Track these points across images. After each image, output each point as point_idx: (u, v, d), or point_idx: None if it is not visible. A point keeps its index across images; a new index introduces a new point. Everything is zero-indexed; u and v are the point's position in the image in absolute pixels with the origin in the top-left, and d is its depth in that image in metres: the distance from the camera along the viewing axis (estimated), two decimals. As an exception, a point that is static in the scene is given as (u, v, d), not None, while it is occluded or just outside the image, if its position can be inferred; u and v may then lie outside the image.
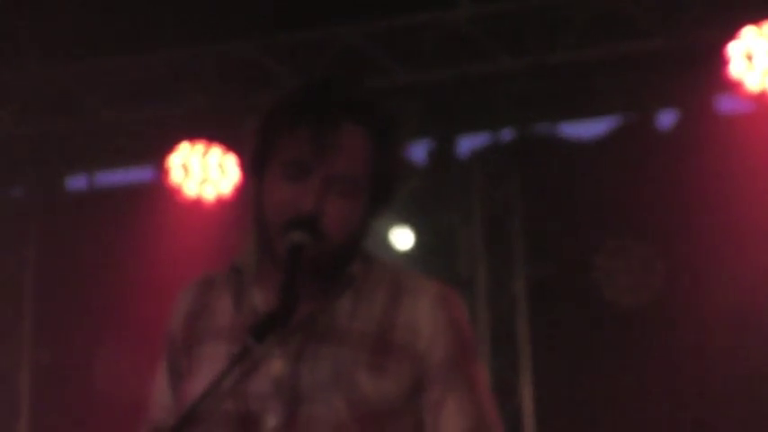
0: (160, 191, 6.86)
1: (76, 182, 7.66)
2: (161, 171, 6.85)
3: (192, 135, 6.77)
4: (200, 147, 6.84)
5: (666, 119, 6.82)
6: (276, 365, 2.27)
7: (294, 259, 2.22)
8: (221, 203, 6.82)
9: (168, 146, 6.81)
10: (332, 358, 2.27)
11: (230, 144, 6.76)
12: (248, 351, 2.16)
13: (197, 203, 6.86)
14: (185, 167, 6.82)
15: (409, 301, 2.34)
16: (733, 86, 6.09)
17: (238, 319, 2.34)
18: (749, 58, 6.11)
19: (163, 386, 2.46)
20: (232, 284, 2.38)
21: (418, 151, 7.08)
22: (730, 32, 6.06)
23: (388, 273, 2.40)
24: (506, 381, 6.68)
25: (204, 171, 6.83)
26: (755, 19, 6.09)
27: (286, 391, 2.25)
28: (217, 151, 6.81)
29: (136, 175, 7.56)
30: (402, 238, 6.95)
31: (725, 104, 6.49)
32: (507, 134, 7.03)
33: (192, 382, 2.32)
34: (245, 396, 2.25)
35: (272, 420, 2.25)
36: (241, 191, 6.65)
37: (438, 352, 2.31)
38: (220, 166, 6.81)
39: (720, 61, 6.05)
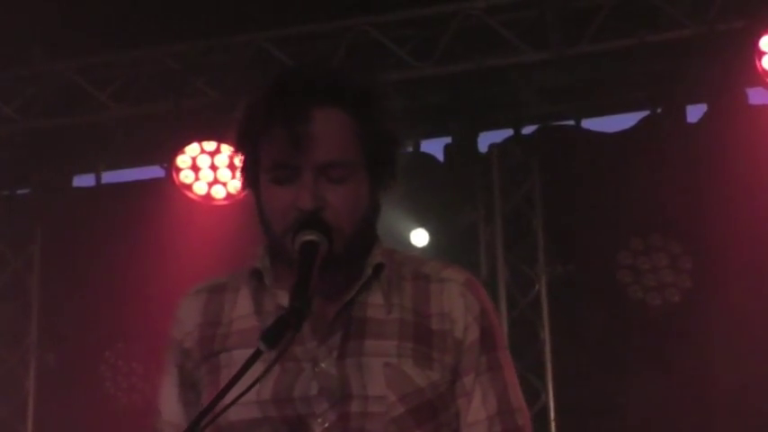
0: (169, 190, 6.84)
1: (84, 180, 7.67)
2: (170, 169, 6.82)
3: (203, 132, 6.74)
4: (210, 145, 6.80)
5: (695, 112, 6.79)
6: (320, 366, 2.27)
7: (306, 259, 2.21)
8: (232, 203, 6.78)
9: (178, 144, 6.79)
10: (377, 352, 2.29)
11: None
12: (259, 356, 2.11)
13: (207, 203, 6.83)
14: (195, 166, 6.80)
15: (437, 289, 2.37)
16: (765, 78, 6.00)
17: (266, 321, 2.30)
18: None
19: (172, 403, 2.43)
20: (252, 288, 2.37)
21: (437, 147, 7.07)
22: (762, 22, 5.97)
23: (410, 262, 2.43)
24: (528, 384, 6.64)
25: (214, 170, 6.81)
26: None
27: (334, 390, 2.26)
28: (227, 150, 6.78)
29: (144, 173, 7.57)
30: (417, 236, 6.91)
31: (756, 97, 6.45)
32: (529, 129, 7.02)
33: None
34: (291, 400, 2.25)
35: (322, 422, 2.25)
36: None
37: (472, 340, 2.35)
38: (231, 165, 6.77)
39: (751, 52, 5.96)
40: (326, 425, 2.25)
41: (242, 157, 2.36)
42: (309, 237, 2.22)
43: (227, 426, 2.26)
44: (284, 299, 2.28)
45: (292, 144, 2.23)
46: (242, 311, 2.38)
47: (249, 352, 2.24)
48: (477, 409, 2.35)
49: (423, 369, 2.29)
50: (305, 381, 2.26)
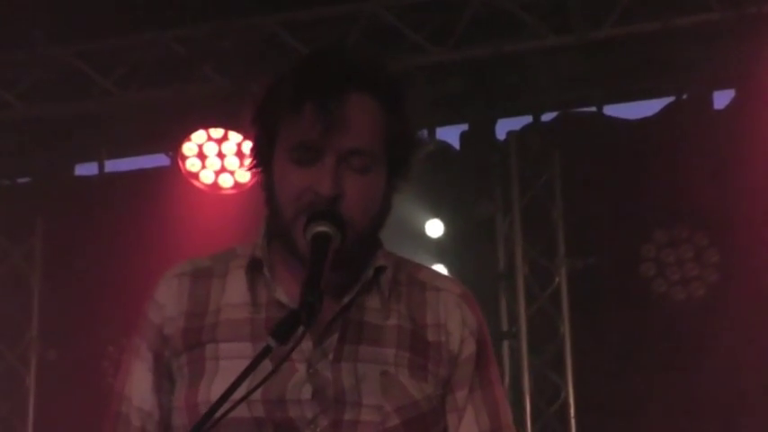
0: (175, 179, 6.84)
1: (86, 169, 7.67)
2: (176, 158, 6.82)
3: (210, 119, 6.73)
4: (217, 132, 6.80)
5: (722, 98, 6.77)
6: (315, 368, 2.24)
7: (319, 252, 2.17)
8: (240, 192, 6.77)
9: (184, 131, 6.78)
10: (374, 359, 2.27)
11: (250, 130, 6.71)
12: (268, 353, 2.07)
13: (214, 192, 6.83)
14: (202, 154, 6.79)
15: (433, 299, 2.37)
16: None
17: (259, 314, 2.29)
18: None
19: (144, 389, 2.37)
20: (249, 277, 2.33)
21: (453, 134, 7.06)
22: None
23: (405, 266, 2.41)
24: (548, 381, 6.64)
25: (222, 158, 6.80)
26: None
27: (328, 396, 2.23)
28: (235, 137, 6.76)
29: (149, 161, 7.57)
30: (431, 227, 6.90)
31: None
32: (549, 116, 7.01)
33: (207, 385, 2.26)
34: (283, 402, 2.22)
35: (314, 428, 2.22)
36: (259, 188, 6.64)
37: (468, 355, 2.36)
38: (239, 152, 6.76)
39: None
40: (318, 431, 2.22)
41: (258, 132, 2.32)
42: (323, 228, 2.19)
43: (212, 423, 2.19)
44: (281, 294, 2.28)
45: (323, 124, 2.20)
46: (233, 299, 2.33)
47: (238, 346, 2.24)
48: (469, 425, 2.36)
49: (418, 381, 2.29)
50: (298, 383, 2.23)
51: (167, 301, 2.37)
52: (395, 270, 2.37)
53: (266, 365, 2.10)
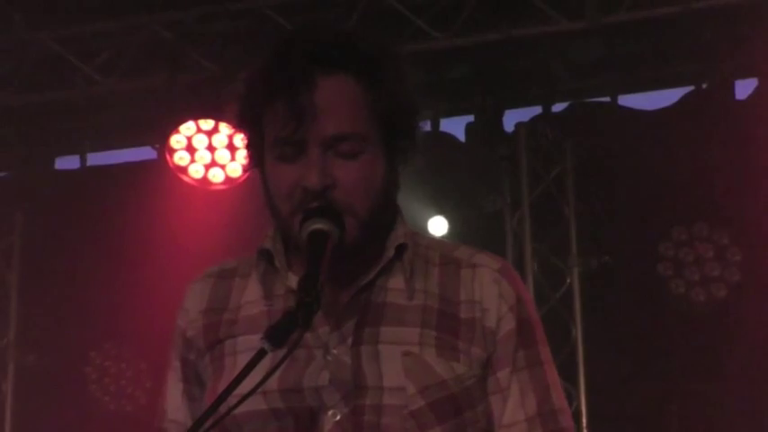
0: (162, 173, 6.83)
1: (67, 162, 7.67)
2: (163, 151, 6.81)
3: (200, 109, 6.74)
4: (207, 123, 6.79)
5: (744, 87, 6.75)
6: (332, 353, 2.25)
7: (315, 251, 2.19)
8: (231, 188, 6.78)
9: (172, 122, 6.78)
10: (396, 340, 2.27)
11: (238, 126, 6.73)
12: (262, 357, 2.08)
13: (204, 188, 6.82)
14: (191, 147, 6.79)
15: (468, 275, 2.36)
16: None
17: (275, 305, 2.33)
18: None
19: (176, 399, 2.43)
20: (260, 270, 2.36)
21: (458, 126, 7.06)
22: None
23: (438, 246, 2.42)
24: (559, 388, 6.65)
25: (212, 151, 6.79)
26: None
27: (347, 381, 2.24)
28: (226, 129, 6.77)
29: (135, 154, 7.57)
30: (435, 224, 6.91)
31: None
32: (560, 106, 7.01)
33: (227, 379, 2.27)
34: (300, 391, 2.23)
35: (333, 415, 2.24)
36: (252, 173, 6.64)
37: (508, 331, 2.33)
38: (230, 145, 6.76)
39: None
40: (338, 418, 2.24)
41: (246, 135, 2.34)
42: (318, 226, 2.21)
43: (230, 418, 2.21)
44: (293, 281, 2.30)
45: (295, 117, 2.20)
46: (251, 297, 2.37)
47: (255, 338, 2.21)
48: (514, 408, 2.32)
49: (447, 360, 2.27)
50: (315, 370, 2.24)
51: (190, 304, 2.43)
52: (425, 249, 2.38)
53: (279, 355, 2.11)
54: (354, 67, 2.26)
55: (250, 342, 2.27)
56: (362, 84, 2.26)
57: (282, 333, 2.08)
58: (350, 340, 2.26)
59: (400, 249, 2.34)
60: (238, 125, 2.35)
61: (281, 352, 2.08)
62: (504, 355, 2.32)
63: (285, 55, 2.26)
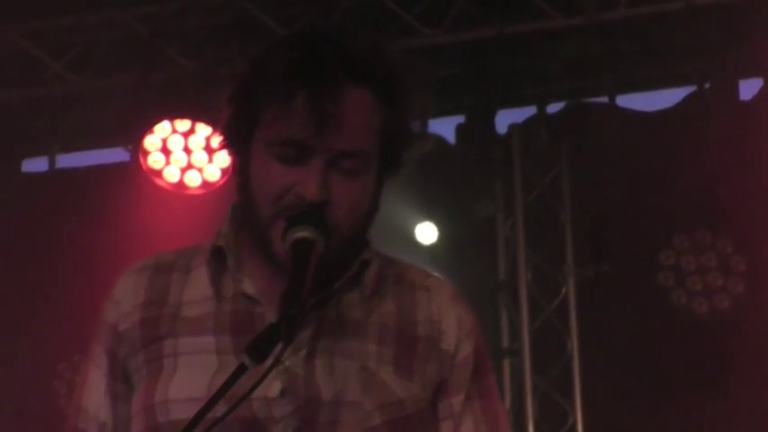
0: (135, 176, 6.82)
1: (35, 164, 7.65)
2: (136, 153, 6.80)
3: (175, 109, 6.73)
4: (183, 124, 6.78)
5: (749, 87, 6.76)
6: (284, 364, 2.24)
7: (300, 261, 2.18)
8: (208, 192, 6.77)
9: (146, 122, 6.77)
10: (352, 355, 2.29)
11: (220, 121, 6.71)
12: (243, 372, 2.08)
13: (179, 192, 6.82)
14: (166, 149, 6.78)
15: (424, 298, 2.40)
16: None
17: (224, 306, 2.32)
18: None
19: (98, 396, 2.40)
20: (212, 269, 2.35)
21: (448, 127, 7.06)
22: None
23: (393, 265, 2.45)
24: (553, 403, 6.66)
25: (188, 153, 6.78)
26: None
27: (299, 394, 2.24)
28: (203, 130, 6.76)
29: (106, 156, 7.55)
30: (423, 231, 6.91)
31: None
32: (556, 106, 7.01)
33: (165, 383, 2.29)
34: (247, 400, 2.19)
35: (284, 428, 2.24)
36: (232, 177, 6.64)
37: (464, 357, 2.39)
38: (207, 147, 6.76)
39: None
40: (288, 431, 2.24)
41: (237, 114, 2.31)
42: (305, 234, 2.20)
43: (168, 424, 2.23)
44: (248, 285, 2.31)
45: (316, 123, 2.19)
46: (195, 295, 2.35)
47: (200, 341, 2.26)
48: None
49: (402, 379, 2.30)
50: (266, 380, 2.19)
51: (123, 296, 2.40)
52: (381, 267, 2.39)
53: (231, 361, 2.14)
54: (377, 84, 2.27)
55: (194, 345, 2.28)
56: (380, 102, 2.27)
57: (264, 347, 2.08)
58: (303, 352, 2.27)
59: (363, 266, 2.34)
60: (231, 99, 2.32)
61: (233, 360, 2.11)
62: (459, 381, 2.37)
63: (314, 50, 2.25)
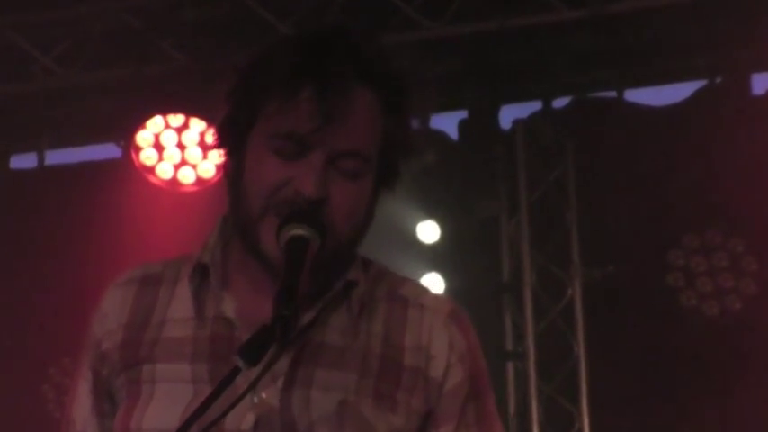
0: (127, 173, 6.83)
1: (24, 161, 7.65)
2: (128, 149, 6.80)
3: (169, 104, 6.73)
4: (177, 119, 6.78)
5: (762, 82, 6.77)
6: (260, 395, 2.23)
7: (295, 259, 2.16)
8: (202, 190, 6.76)
9: (138, 118, 6.77)
10: (331, 386, 2.26)
11: (214, 116, 6.71)
12: (236, 375, 2.06)
13: (173, 189, 6.82)
14: (158, 145, 6.78)
15: (416, 317, 2.37)
16: None
17: (202, 330, 2.30)
18: None
19: (85, 412, 2.41)
20: (194, 286, 2.33)
21: (450, 123, 7.06)
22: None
23: (386, 279, 2.42)
24: (560, 409, 6.66)
25: (182, 150, 6.79)
26: None
27: (274, 427, 2.22)
28: (197, 125, 6.76)
29: (97, 153, 7.55)
30: (425, 230, 6.90)
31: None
32: (561, 101, 7.01)
33: (141, 411, 2.28)
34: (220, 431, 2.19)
35: None
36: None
37: (455, 384, 2.35)
38: (201, 143, 6.76)
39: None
40: None
41: (236, 107, 2.31)
42: (302, 231, 2.19)
43: None
44: (228, 306, 2.29)
45: (321, 117, 2.19)
46: (177, 313, 2.34)
47: (177, 368, 2.24)
48: None
49: (383, 412, 2.27)
50: (240, 410, 2.19)
51: (110, 310, 2.40)
52: (373, 284, 2.37)
53: (206, 390, 2.11)
54: (383, 87, 2.28)
55: (171, 373, 2.27)
56: (384, 106, 2.28)
57: (258, 350, 2.07)
58: (280, 382, 2.24)
59: (349, 286, 2.32)
60: (231, 94, 2.31)
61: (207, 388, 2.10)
62: (450, 410, 2.34)
63: (321, 47, 2.26)
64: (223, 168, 2.35)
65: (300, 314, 2.24)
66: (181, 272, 2.38)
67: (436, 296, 2.43)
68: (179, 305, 2.34)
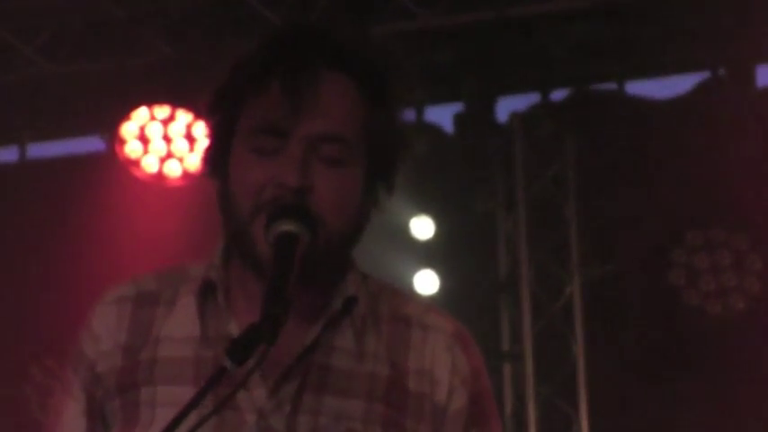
0: (111, 167, 6.82)
1: (5, 154, 7.64)
2: (113, 141, 6.79)
3: (154, 95, 6.73)
4: (162, 111, 6.78)
5: (765, 74, 6.79)
6: (267, 421, 2.22)
7: (284, 255, 2.16)
8: (189, 184, 6.76)
9: (123, 109, 6.77)
10: (339, 414, 2.26)
11: (201, 108, 6.71)
12: (223, 375, 2.05)
13: (158, 183, 6.81)
14: (144, 137, 6.78)
15: (419, 340, 2.36)
16: None
17: (205, 351, 2.29)
18: None
19: None
20: (199, 304, 2.31)
21: (445, 115, 7.06)
22: None
23: (388, 297, 2.40)
24: (557, 410, 6.66)
25: (168, 142, 6.78)
26: None
27: None
28: (183, 117, 6.76)
29: (80, 145, 7.54)
30: (419, 225, 6.91)
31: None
32: (560, 93, 7.02)
33: None
34: None
35: None
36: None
37: (458, 408, 2.34)
38: (188, 135, 6.75)
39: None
40: None
41: (217, 121, 2.31)
42: (289, 227, 2.18)
43: None
44: (234, 326, 2.27)
45: (290, 103, 2.21)
46: (177, 332, 2.32)
47: (178, 392, 2.21)
48: None
49: None
50: None
51: (103, 331, 2.36)
52: (373, 301, 2.37)
53: (207, 406, 2.09)
54: (359, 72, 2.27)
55: (172, 396, 2.24)
56: (362, 91, 2.27)
57: (245, 349, 2.05)
58: (287, 408, 2.24)
59: (350, 302, 2.31)
60: (211, 106, 2.32)
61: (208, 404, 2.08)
62: None
63: (290, 39, 2.27)
64: (216, 190, 2.33)
65: (298, 331, 2.24)
66: (179, 290, 2.36)
67: (440, 315, 2.41)
68: (179, 324, 2.32)
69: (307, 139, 2.22)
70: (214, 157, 2.32)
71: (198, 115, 6.75)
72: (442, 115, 7.12)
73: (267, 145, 2.23)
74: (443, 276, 6.76)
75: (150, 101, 6.76)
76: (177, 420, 2.06)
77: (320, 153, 2.23)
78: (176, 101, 6.71)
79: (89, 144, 7.51)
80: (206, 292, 2.32)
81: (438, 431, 2.32)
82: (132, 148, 6.79)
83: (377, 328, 2.34)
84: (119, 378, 2.31)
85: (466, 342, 2.39)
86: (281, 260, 2.16)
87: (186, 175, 6.80)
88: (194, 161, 6.78)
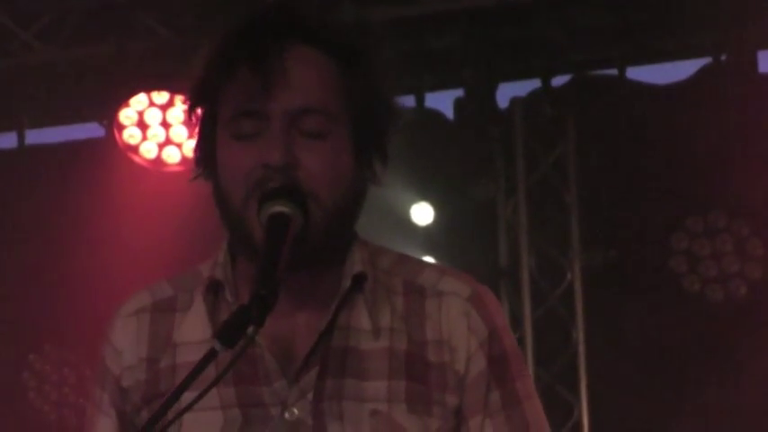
0: (110, 153, 6.81)
1: (3, 140, 7.64)
2: (111, 127, 6.80)
3: (153, 81, 6.73)
4: (161, 97, 6.79)
5: (767, 60, 6.76)
6: (292, 412, 2.24)
7: (274, 235, 2.17)
8: (188, 169, 6.75)
9: (121, 95, 6.77)
10: (361, 396, 2.26)
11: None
12: (213, 358, 2.07)
13: (157, 169, 6.81)
14: (142, 123, 6.78)
15: (434, 307, 2.34)
16: None
17: (224, 354, 2.24)
18: None
19: None
20: (209, 304, 2.33)
21: (445, 101, 7.06)
22: None
23: (399, 268, 2.39)
24: (558, 397, 6.67)
25: (166, 128, 6.79)
26: None
27: None
28: (182, 103, 6.75)
29: (79, 131, 7.54)
30: (419, 212, 6.91)
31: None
32: (561, 79, 7.01)
33: None
34: None
35: None
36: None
37: (477, 373, 2.32)
38: (187, 121, 6.74)
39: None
40: None
41: (198, 116, 2.33)
42: (278, 208, 2.19)
43: None
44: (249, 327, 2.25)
45: (259, 84, 2.21)
46: (192, 336, 2.33)
47: (207, 397, 2.19)
48: None
49: (420, 416, 2.27)
50: (272, 427, 2.23)
51: (125, 345, 2.38)
52: (386, 274, 2.36)
53: (236, 414, 2.15)
54: (333, 47, 2.28)
55: (198, 403, 2.22)
56: (335, 60, 2.28)
57: (234, 331, 2.07)
58: (310, 395, 2.25)
59: (358, 279, 2.31)
60: (192, 101, 2.34)
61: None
62: (474, 401, 2.31)
63: (252, 23, 2.28)
64: (212, 188, 2.34)
65: (309, 312, 2.27)
66: (194, 294, 2.37)
67: (456, 279, 2.39)
68: (193, 327, 2.34)
69: (284, 115, 2.23)
70: (202, 154, 2.34)
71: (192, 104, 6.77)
72: (443, 101, 7.12)
73: (248, 129, 2.25)
74: (443, 263, 6.77)
75: (149, 86, 6.75)
76: (168, 403, 2.07)
77: (301, 128, 2.23)
78: (175, 86, 6.70)
79: (88, 130, 7.51)
80: (215, 291, 2.33)
81: (461, 397, 2.30)
82: (131, 134, 6.78)
83: (391, 303, 2.33)
84: (144, 391, 2.34)
85: (483, 303, 2.37)
86: (270, 241, 2.16)
87: (185, 160, 6.79)
88: (193, 147, 6.78)
